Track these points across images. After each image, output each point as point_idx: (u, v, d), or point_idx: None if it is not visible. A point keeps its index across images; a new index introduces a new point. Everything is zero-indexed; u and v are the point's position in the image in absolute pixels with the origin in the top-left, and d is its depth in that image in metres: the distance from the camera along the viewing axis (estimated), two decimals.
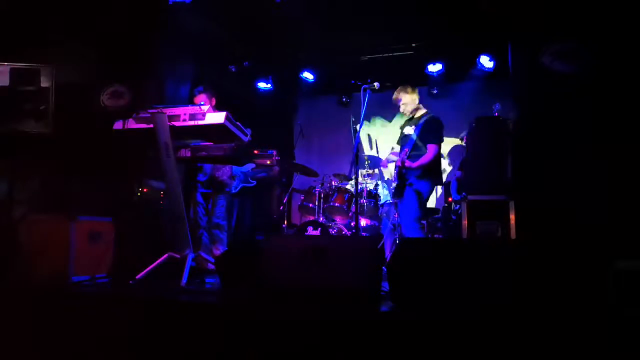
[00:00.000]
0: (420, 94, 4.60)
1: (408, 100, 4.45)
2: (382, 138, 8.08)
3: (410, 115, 4.51)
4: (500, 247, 2.72)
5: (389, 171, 6.41)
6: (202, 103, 3.60)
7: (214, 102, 4.48)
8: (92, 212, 3.73)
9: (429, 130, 4.28)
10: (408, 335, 2.23)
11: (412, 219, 4.24)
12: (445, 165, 7.36)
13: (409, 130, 4.44)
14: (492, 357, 2.11)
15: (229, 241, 4.67)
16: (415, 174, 4.28)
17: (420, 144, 4.29)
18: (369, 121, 8.03)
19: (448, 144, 7.26)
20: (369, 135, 8.16)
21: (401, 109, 4.53)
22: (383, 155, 7.92)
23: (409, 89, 4.47)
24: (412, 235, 4.22)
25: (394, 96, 4.53)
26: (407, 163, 4.25)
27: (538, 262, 2.44)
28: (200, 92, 4.46)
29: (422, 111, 4.48)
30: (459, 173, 5.98)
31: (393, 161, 4.76)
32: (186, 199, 3.77)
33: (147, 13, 4.71)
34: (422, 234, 4.36)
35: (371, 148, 8.14)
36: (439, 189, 7.00)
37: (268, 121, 6.90)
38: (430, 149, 4.24)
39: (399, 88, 4.51)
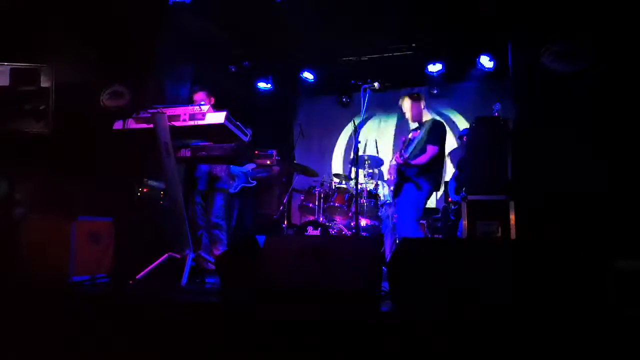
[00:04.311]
0: (420, 94, 4.62)
1: (412, 108, 4.47)
2: (382, 138, 8.07)
3: (417, 123, 4.55)
4: (500, 247, 2.71)
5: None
6: (202, 103, 3.60)
7: (212, 102, 4.48)
8: (92, 212, 3.73)
9: (431, 132, 4.28)
10: (408, 335, 2.23)
11: (409, 218, 4.21)
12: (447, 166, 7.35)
13: (414, 134, 4.48)
14: (492, 357, 2.11)
15: (228, 241, 4.67)
16: (412, 172, 4.27)
17: (422, 145, 4.28)
18: (370, 121, 8.03)
19: (448, 144, 7.24)
20: (369, 135, 8.15)
21: (407, 115, 4.55)
22: (383, 155, 7.92)
23: (415, 97, 4.49)
24: (409, 235, 4.17)
25: (400, 102, 4.57)
26: (406, 158, 4.26)
27: (538, 262, 2.44)
28: (198, 90, 4.45)
29: (427, 117, 4.51)
30: (456, 172, 5.99)
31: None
32: (186, 199, 3.77)
33: (146, 13, 4.71)
34: (421, 233, 4.32)
35: (376, 149, 8.14)
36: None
37: (268, 121, 6.91)
38: (430, 149, 4.23)
39: (405, 96, 4.53)
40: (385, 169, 6.97)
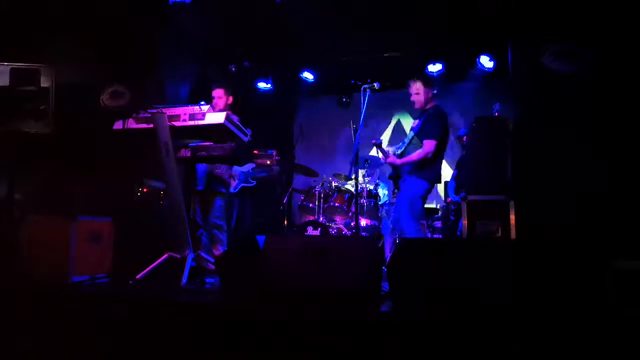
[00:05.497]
0: None
1: (422, 92, 4.15)
2: (382, 138, 8.08)
3: (420, 108, 4.22)
4: (500, 247, 2.71)
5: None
6: (202, 103, 3.59)
7: (230, 101, 4.47)
8: (92, 212, 3.73)
9: (428, 124, 4.02)
10: (408, 335, 2.23)
11: (406, 217, 3.97)
12: (445, 164, 7.35)
13: (414, 122, 4.26)
14: (492, 357, 2.11)
15: (229, 241, 4.67)
16: (405, 170, 4.06)
17: (420, 136, 4.05)
18: (370, 121, 8.04)
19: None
20: (368, 135, 8.15)
21: (413, 98, 4.22)
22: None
23: (428, 82, 4.20)
24: (409, 235, 3.97)
25: (410, 82, 4.25)
26: (390, 159, 4.09)
27: (538, 262, 2.44)
28: (218, 87, 4.45)
29: (431, 104, 4.19)
30: (455, 172, 5.98)
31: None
32: (186, 199, 3.77)
33: (146, 13, 4.71)
34: (420, 234, 4.09)
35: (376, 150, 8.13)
36: (441, 189, 6.97)
37: (268, 121, 6.91)
38: (426, 144, 3.95)
39: (419, 80, 4.22)
40: (385, 169, 6.98)
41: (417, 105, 4.24)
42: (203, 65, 5.93)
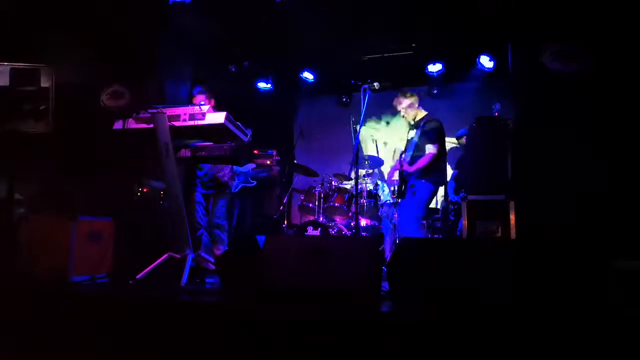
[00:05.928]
0: (420, 94, 4.69)
1: (406, 105, 4.57)
2: (382, 138, 8.08)
3: (413, 121, 4.62)
4: (500, 247, 2.71)
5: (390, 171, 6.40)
6: (202, 103, 3.60)
7: (212, 103, 4.47)
8: (92, 212, 3.73)
9: (427, 132, 4.38)
10: (408, 335, 2.23)
11: (412, 217, 4.32)
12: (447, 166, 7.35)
13: (412, 134, 4.58)
14: (492, 357, 2.11)
15: (229, 241, 4.66)
16: (414, 175, 4.39)
17: (420, 145, 4.40)
18: (369, 121, 8.04)
19: (448, 145, 7.25)
20: (371, 135, 8.16)
21: (401, 114, 4.65)
22: (383, 155, 7.93)
23: (407, 94, 4.59)
24: (410, 234, 4.26)
25: (394, 102, 4.66)
26: (405, 167, 4.45)
27: (538, 262, 2.44)
28: (199, 93, 4.45)
29: (422, 114, 4.58)
30: (455, 172, 5.98)
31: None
32: (186, 199, 3.77)
33: (146, 13, 4.71)
34: (422, 233, 4.45)
35: (376, 149, 8.13)
36: (441, 188, 6.98)
37: (268, 121, 6.90)
38: (428, 150, 4.33)
39: (399, 94, 4.64)
40: (385, 169, 6.98)
41: (407, 118, 4.66)
42: (203, 66, 5.92)
